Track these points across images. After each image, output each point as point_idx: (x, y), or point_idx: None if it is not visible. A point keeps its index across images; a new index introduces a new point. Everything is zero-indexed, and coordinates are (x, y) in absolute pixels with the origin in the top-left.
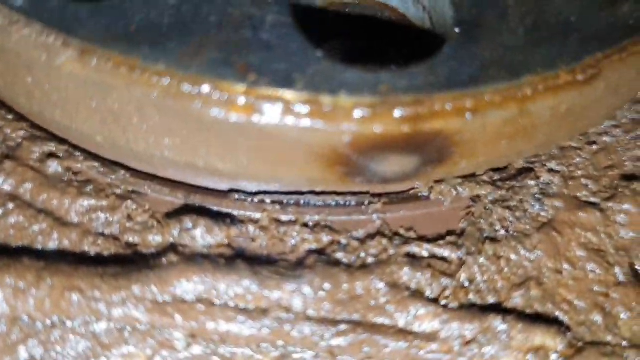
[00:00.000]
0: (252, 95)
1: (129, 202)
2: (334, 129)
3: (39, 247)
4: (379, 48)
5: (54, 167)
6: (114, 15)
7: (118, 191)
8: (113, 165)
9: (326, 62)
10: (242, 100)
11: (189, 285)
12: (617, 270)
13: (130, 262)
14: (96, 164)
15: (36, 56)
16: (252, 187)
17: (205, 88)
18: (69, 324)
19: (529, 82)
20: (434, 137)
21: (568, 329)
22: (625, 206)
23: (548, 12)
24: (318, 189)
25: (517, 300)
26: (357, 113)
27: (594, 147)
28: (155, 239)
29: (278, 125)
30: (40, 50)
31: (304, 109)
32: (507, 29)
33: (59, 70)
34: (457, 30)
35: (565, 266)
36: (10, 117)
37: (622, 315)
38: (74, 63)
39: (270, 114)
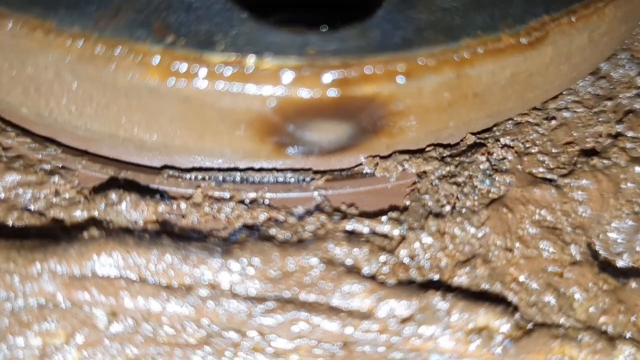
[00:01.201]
0: (168, 56)
1: (57, 177)
2: (258, 93)
3: None
4: (326, 20)
5: None
6: None
7: (47, 167)
8: (45, 141)
9: (251, 23)
10: (157, 62)
11: (109, 260)
12: (573, 249)
13: (53, 237)
14: (28, 140)
15: None
16: (186, 162)
17: (119, 50)
18: None
19: (467, 45)
20: (366, 103)
21: (516, 309)
22: (584, 182)
23: None
24: (256, 164)
25: (462, 278)
26: (283, 75)
27: (553, 122)
28: (80, 214)
29: (199, 90)
30: None
31: (225, 71)
32: None
33: None
34: None
35: (517, 244)
36: None
37: (577, 296)
38: None
39: (189, 77)
